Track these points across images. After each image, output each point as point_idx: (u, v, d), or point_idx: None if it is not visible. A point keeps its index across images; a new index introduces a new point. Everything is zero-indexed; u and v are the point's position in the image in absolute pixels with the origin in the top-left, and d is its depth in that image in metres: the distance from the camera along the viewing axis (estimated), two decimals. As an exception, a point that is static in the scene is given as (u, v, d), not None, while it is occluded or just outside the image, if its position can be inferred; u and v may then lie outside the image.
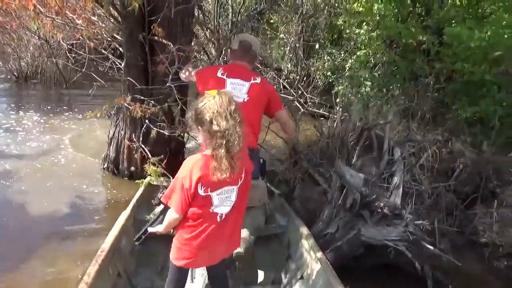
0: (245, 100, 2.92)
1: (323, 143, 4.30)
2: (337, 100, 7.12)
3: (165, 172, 4.06)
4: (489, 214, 4.47)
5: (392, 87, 7.18)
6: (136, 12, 3.82)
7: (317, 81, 9.17)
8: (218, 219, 2.14)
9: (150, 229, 2.41)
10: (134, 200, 3.58)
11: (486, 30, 5.55)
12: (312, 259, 3.11)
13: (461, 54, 6.26)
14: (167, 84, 3.76)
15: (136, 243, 2.65)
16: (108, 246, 2.81)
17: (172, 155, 4.79)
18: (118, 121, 4.98)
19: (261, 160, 3.05)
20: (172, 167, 4.38)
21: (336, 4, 8.85)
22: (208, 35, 9.97)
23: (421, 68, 7.12)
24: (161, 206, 2.73)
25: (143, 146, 4.38)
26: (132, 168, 4.99)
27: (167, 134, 4.17)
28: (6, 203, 4.48)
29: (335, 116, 4.66)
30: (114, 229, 3.06)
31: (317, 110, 8.56)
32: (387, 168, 3.81)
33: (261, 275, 3.32)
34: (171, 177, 3.93)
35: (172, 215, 2.14)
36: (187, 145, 5.29)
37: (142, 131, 4.48)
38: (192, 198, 2.07)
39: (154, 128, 4.22)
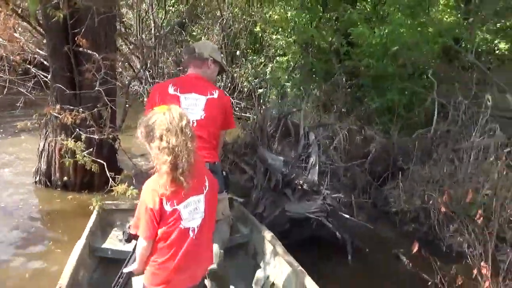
0: (202, 117, 2.68)
1: (247, 137, 4.69)
2: (261, 101, 7.61)
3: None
4: (398, 187, 5.09)
5: (310, 87, 7.79)
6: (60, 25, 4.02)
7: (242, 87, 9.62)
8: (191, 234, 2.01)
9: (125, 270, 2.18)
10: (87, 228, 3.32)
11: (384, 28, 6.27)
12: (281, 264, 3.05)
13: (366, 51, 6.98)
14: (96, 88, 3.98)
15: None
16: (65, 280, 2.60)
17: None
18: (47, 133, 5.06)
19: (223, 173, 2.85)
20: (106, 177, 4.60)
21: (253, 13, 9.39)
22: (131, 49, 10.14)
23: (335, 67, 7.80)
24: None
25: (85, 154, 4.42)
26: (65, 178, 5.09)
27: (97, 138, 4.34)
28: None
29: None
30: (70, 261, 2.84)
31: (244, 114, 9.01)
32: (304, 151, 4.26)
33: None
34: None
35: (141, 244, 2.01)
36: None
37: (72, 140, 4.60)
38: (159, 218, 1.95)
39: (83, 134, 4.35)
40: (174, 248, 1.98)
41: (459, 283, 2.78)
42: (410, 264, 3.59)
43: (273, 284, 3.08)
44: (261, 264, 3.31)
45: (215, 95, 2.75)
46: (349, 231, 4.35)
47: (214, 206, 2.17)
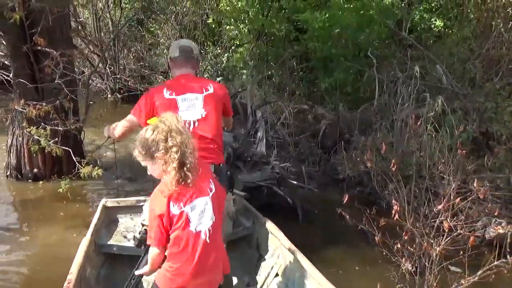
0: (203, 115, 2.64)
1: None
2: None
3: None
4: (344, 156, 5.61)
5: (264, 73, 8.26)
6: (18, 25, 4.33)
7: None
8: (204, 237, 1.97)
9: (137, 272, 2.19)
10: (92, 225, 3.34)
11: (325, 12, 6.77)
12: (284, 254, 3.09)
13: (311, 35, 7.48)
14: (56, 81, 4.31)
15: None
16: (74, 276, 2.65)
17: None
18: (14, 129, 5.36)
19: (228, 173, 2.77)
20: (73, 164, 4.92)
21: (204, 5, 9.76)
22: (91, 48, 10.33)
23: (286, 53, 8.27)
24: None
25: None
26: (35, 170, 5.42)
27: (62, 129, 4.68)
28: None
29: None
30: (77, 257, 2.89)
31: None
32: (252, 127, 4.72)
33: (234, 282, 3.14)
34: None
35: (153, 251, 2.00)
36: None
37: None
38: (168, 223, 1.94)
39: (47, 127, 4.66)
40: (189, 253, 1.95)
41: (382, 224, 3.28)
42: (351, 219, 4.07)
43: (277, 274, 3.14)
44: (265, 255, 3.36)
45: (211, 90, 2.70)
46: (300, 197, 4.85)
47: (221, 210, 2.15)
